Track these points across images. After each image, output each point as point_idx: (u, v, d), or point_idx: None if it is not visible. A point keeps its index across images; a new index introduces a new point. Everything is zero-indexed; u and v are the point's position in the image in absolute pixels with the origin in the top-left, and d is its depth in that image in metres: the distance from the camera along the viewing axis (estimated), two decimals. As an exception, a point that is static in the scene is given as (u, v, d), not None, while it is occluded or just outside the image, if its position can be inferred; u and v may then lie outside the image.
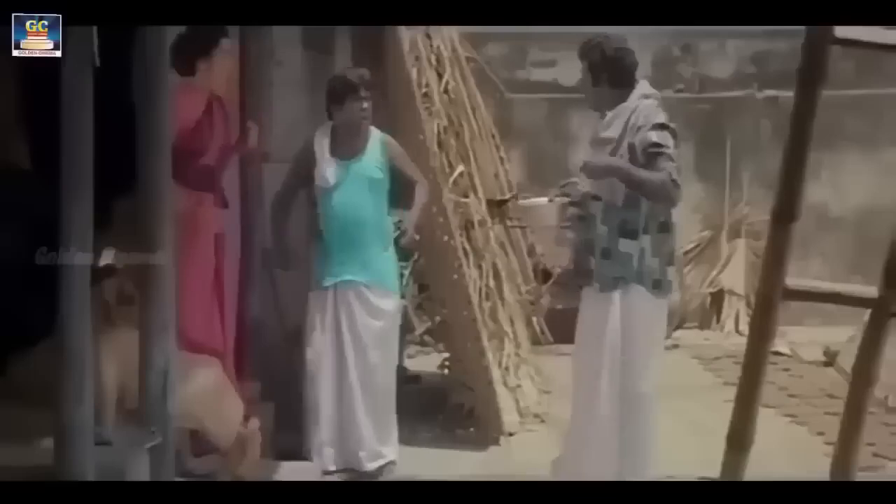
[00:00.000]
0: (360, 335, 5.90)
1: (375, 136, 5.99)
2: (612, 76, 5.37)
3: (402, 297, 8.28)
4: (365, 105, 5.87)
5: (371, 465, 5.90)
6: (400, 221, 6.20)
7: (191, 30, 5.38)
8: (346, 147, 5.93)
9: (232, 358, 5.74)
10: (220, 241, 5.68)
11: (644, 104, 5.31)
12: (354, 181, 5.89)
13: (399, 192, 6.13)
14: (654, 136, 5.19)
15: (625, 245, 5.26)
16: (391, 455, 5.96)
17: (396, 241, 6.06)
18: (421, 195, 6.07)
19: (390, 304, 6.03)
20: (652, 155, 5.17)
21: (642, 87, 5.39)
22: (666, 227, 5.33)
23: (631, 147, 5.23)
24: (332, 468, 5.90)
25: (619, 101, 5.33)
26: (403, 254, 8.63)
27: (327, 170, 5.88)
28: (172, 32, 4.46)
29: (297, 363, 6.07)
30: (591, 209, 5.39)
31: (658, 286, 5.30)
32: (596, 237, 5.33)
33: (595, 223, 5.34)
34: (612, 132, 5.32)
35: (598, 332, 5.33)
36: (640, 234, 5.26)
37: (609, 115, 5.37)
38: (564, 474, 5.42)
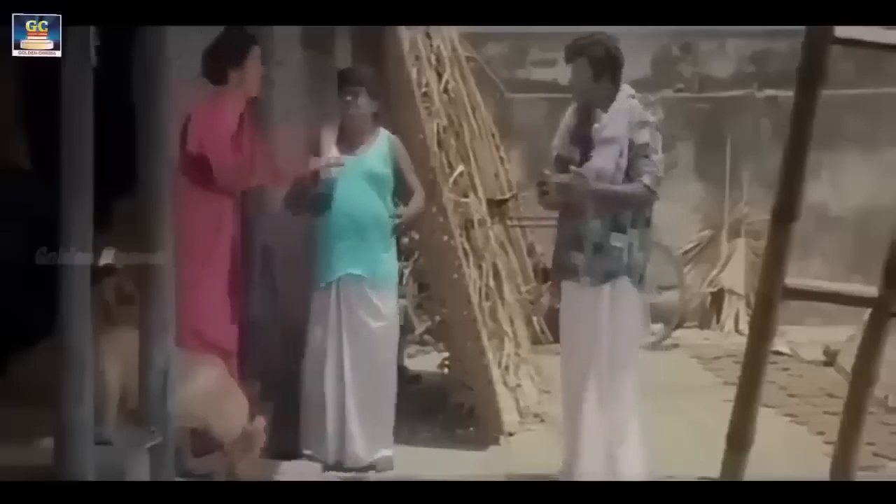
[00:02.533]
0: (359, 335, 5.92)
1: (384, 134, 6.09)
2: (614, 72, 5.53)
3: (402, 297, 8.32)
4: (348, 98, 5.95)
5: (365, 461, 5.92)
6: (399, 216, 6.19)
7: (221, 39, 5.43)
8: (349, 141, 6.02)
9: (238, 357, 5.75)
10: (235, 242, 5.74)
11: (633, 103, 5.54)
12: (356, 175, 5.94)
13: (399, 193, 6.15)
14: (647, 136, 5.43)
15: (616, 239, 5.39)
16: (386, 451, 5.98)
17: (396, 240, 6.07)
18: (417, 202, 6.11)
19: (391, 304, 6.06)
20: (639, 157, 5.38)
21: (626, 88, 5.58)
22: (648, 223, 5.54)
23: (630, 143, 5.41)
24: (328, 462, 5.92)
25: (612, 97, 5.49)
26: (404, 253, 8.66)
27: (328, 160, 5.93)
28: (173, 32, 4.45)
29: (296, 362, 6.07)
30: (583, 202, 5.44)
31: (642, 280, 5.50)
32: (588, 231, 5.42)
33: (586, 218, 5.41)
34: (613, 131, 5.45)
35: (588, 327, 5.39)
36: (629, 229, 5.41)
37: (605, 116, 5.49)
38: (570, 474, 5.44)
